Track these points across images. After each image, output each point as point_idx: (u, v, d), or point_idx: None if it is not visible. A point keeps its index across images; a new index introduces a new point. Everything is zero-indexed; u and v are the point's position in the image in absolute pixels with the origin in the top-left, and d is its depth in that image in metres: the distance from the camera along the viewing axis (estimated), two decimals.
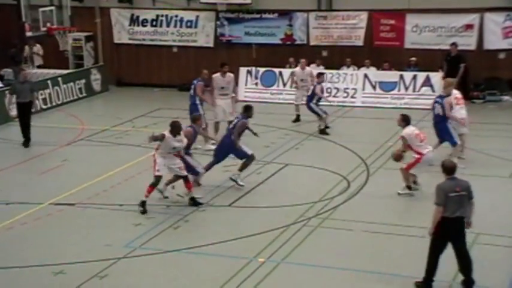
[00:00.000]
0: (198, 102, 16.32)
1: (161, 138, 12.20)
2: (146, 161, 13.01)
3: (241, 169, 13.61)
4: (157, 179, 12.32)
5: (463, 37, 21.17)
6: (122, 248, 10.80)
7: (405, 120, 12.84)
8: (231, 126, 13.88)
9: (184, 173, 12.48)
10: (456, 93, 15.09)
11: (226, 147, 13.61)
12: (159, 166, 12.28)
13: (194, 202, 12.61)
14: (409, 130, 12.77)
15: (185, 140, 12.48)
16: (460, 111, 14.89)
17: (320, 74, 18.19)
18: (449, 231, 8.99)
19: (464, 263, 9.15)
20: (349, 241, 11.07)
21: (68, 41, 23.90)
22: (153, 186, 12.33)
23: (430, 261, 9.13)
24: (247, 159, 13.61)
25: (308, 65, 19.91)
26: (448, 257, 9.17)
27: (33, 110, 17.48)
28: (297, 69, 19.29)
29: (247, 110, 13.90)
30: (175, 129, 12.28)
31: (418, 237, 10.63)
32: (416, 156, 12.71)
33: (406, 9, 21.73)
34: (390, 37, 22.12)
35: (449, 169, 9.10)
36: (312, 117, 17.90)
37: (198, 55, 23.66)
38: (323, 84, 18.20)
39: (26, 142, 16.85)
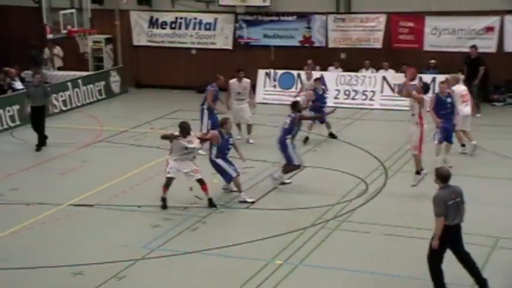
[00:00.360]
0: (205, 106, 16.39)
1: (172, 137, 12.33)
2: (164, 163, 13.06)
3: (285, 172, 13.67)
4: (168, 180, 12.46)
5: (483, 39, 21.02)
6: (140, 249, 10.85)
7: (424, 87, 13.42)
8: (286, 125, 13.59)
9: (198, 175, 12.52)
10: (463, 89, 15.46)
11: (280, 146, 13.62)
12: (170, 168, 12.44)
13: (211, 203, 12.64)
14: (428, 98, 13.31)
15: (195, 141, 12.53)
16: (464, 109, 15.20)
17: (317, 80, 17.75)
18: (450, 239, 8.91)
19: (469, 265, 9.05)
20: (367, 244, 11.03)
21: (87, 43, 24.06)
22: (165, 187, 12.47)
23: (435, 271, 9.00)
24: (291, 166, 13.62)
25: (326, 68, 19.81)
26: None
27: (50, 112, 17.49)
28: (304, 78, 19.20)
29: (296, 106, 13.88)
30: (184, 130, 12.41)
31: None
32: (418, 127, 13.00)
33: (426, 11, 21.62)
34: (409, 39, 22.03)
35: (444, 177, 8.99)
36: (330, 119, 17.70)
37: (217, 57, 23.72)
38: (320, 89, 17.34)
39: (39, 146, 16.89)
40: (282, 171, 13.72)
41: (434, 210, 8.84)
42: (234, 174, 12.88)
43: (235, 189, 13.21)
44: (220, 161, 12.86)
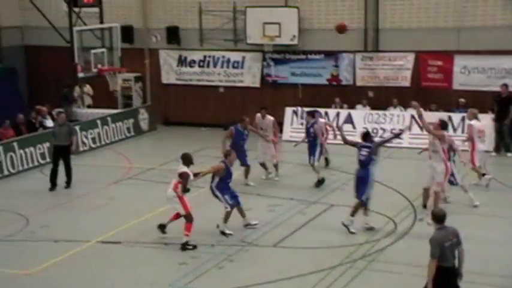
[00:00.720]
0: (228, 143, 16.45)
1: (187, 177, 12.46)
2: (192, 200, 13.07)
3: (353, 213, 13.22)
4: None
5: None
6: (167, 287, 10.79)
7: (442, 125, 13.82)
8: (363, 157, 13.22)
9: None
10: (480, 125, 16.01)
11: (360, 181, 13.32)
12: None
13: (161, 227, 12.96)
14: (448, 135, 13.82)
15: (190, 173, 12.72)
16: (480, 144, 15.71)
17: (308, 113, 17.49)
18: (450, 281, 8.73)
19: None
20: (395, 284, 10.86)
21: (117, 81, 24.38)
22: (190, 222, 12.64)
23: None
24: (360, 203, 13.23)
25: (353, 106, 19.74)
26: None
27: (75, 151, 17.37)
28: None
29: (368, 135, 13.53)
30: (187, 160, 12.69)
31: (467, 282, 10.34)
32: (443, 164, 13.38)
33: (454, 50, 21.57)
34: (438, 78, 21.96)
35: (439, 218, 8.88)
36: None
37: (245, 95, 23.88)
38: (310, 123, 16.98)
39: (68, 183, 17.05)
40: (351, 214, 13.21)
41: (430, 251, 8.72)
42: (228, 208, 13.05)
43: (254, 222, 13.34)
44: (217, 193, 13.12)
